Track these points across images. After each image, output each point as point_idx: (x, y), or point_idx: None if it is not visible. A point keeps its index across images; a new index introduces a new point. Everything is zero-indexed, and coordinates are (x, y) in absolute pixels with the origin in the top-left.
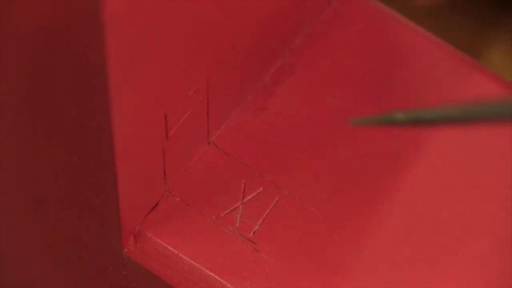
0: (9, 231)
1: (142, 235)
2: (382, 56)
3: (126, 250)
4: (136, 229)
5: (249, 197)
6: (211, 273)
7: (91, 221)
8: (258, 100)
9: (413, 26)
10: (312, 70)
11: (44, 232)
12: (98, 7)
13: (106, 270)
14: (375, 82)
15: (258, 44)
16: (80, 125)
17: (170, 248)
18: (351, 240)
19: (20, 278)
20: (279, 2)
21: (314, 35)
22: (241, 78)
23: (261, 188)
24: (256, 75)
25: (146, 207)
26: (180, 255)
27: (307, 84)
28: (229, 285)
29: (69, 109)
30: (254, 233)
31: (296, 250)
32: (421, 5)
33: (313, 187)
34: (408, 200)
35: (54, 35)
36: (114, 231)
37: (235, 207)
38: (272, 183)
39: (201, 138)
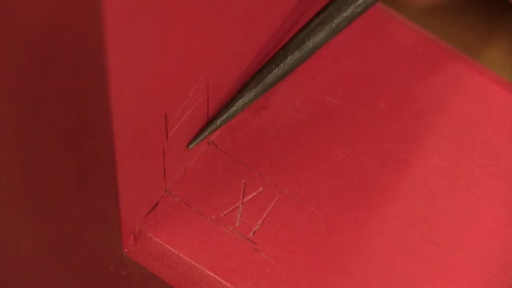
0: (9, 231)
1: (142, 235)
2: (382, 56)
3: (126, 250)
4: (136, 229)
5: (249, 197)
6: (211, 273)
7: (91, 221)
8: (258, 100)
9: (413, 26)
10: (312, 70)
11: (44, 232)
12: (98, 7)
13: (106, 270)
14: (375, 82)
15: (258, 44)
16: (80, 125)
17: (170, 248)
18: (351, 240)
19: (20, 278)
20: (279, 2)
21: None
22: (241, 78)
23: (261, 188)
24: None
25: (146, 207)
26: (180, 255)
27: (307, 84)
28: (229, 285)
29: (69, 109)
30: (254, 233)
31: (296, 250)
32: (421, 5)
33: (313, 187)
34: (408, 200)
35: (54, 34)
36: (114, 231)
37: (235, 207)
38: (272, 183)
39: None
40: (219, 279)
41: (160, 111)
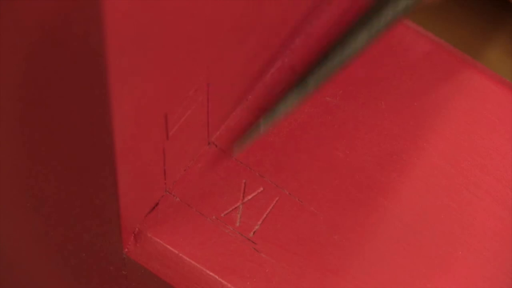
0: (9, 231)
1: (142, 235)
2: (381, 55)
3: (126, 250)
4: (136, 229)
5: (249, 197)
6: (211, 273)
7: (91, 221)
8: (258, 100)
9: (413, 26)
10: None
11: (44, 232)
12: (98, 7)
13: (106, 270)
14: (374, 82)
15: (258, 44)
16: (80, 125)
17: (170, 248)
18: (351, 240)
19: (20, 278)
20: (279, 2)
21: (314, 35)
22: (241, 78)
23: (261, 188)
24: (256, 75)
25: (146, 207)
26: (180, 255)
27: None
28: (229, 285)
29: (69, 109)
30: (254, 233)
31: (296, 250)
32: (421, 5)
33: (313, 187)
34: (408, 200)
35: (54, 34)
36: (114, 231)
37: (235, 207)
38: (272, 183)
39: (201, 138)
40: (219, 279)
41: (160, 111)
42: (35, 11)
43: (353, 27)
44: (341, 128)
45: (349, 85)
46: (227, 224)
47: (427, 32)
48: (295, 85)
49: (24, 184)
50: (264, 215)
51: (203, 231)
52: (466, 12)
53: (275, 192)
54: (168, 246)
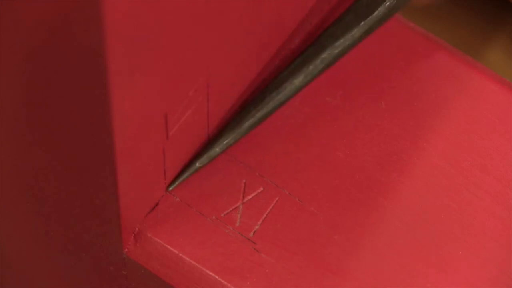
0: (9, 231)
1: (142, 235)
2: (381, 56)
3: (126, 250)
4: (136, 229)
5: (249, 197)
6: (211, 273)
7: (91, 221)
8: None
9: (413, 26)
10: None
11: (44, 232)
12: (98, 7)
13: (106, 270)
14: (375, 82)
15: (258, 44)
16: (80, 125)
17: (170, 248)
18: (351, 240)
19: (20, 278)
20: (279, 2)
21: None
22: (241, 78)
23: (261, 188)
24: (256, 75)
25: (146, 207)
26: (180, 255)
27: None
28: (229, 285)
29: (69, 109)
30: (254, 233)
31: (296, 250)
32: (421, 5)
33: (313, 187)
34: (408, 200)
35: (54, 34)
36: (114, 231)
37: (235, 207)
38: (272, 183)
39: (201, 138)
40: (219, 279)
41: (160, 111)
42: (35, 11)
43: (289, 70)
44: (341, 128)
45: (349, 85)
46: (227, 224)
47: (427, 32)
48: (231, 126)
49: (24, 184)
50: (264, 215)
51: (203, 231)
52: (466, 12)
53: (275, 192)
54: (168, 246)
